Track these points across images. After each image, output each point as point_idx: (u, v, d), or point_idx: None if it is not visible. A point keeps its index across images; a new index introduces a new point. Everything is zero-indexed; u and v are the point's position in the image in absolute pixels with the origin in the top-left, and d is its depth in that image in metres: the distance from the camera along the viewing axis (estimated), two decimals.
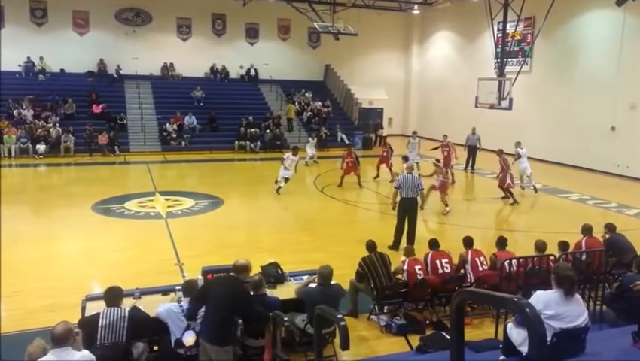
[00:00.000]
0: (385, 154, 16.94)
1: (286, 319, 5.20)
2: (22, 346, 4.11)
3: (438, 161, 15.01)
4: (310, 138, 22.00)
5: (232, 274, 5.08)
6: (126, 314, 4.81)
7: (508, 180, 14.16)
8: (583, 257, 7.11)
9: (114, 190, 14.57)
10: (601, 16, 19.09)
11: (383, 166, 16.88)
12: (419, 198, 9.84)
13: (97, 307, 5.03)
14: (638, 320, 4.67)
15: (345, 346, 4.39)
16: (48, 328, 4.17)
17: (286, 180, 14.64)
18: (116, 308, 4.82)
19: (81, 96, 23.23)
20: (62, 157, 20.14)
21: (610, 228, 8.09)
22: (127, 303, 5.22)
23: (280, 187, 14.53)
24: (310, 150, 20.25)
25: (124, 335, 4.73)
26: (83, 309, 5.35)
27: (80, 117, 22.43)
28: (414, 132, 19.15)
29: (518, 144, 15.87)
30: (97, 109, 22.80)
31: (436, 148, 17.15)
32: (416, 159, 17.30)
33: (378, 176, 17.07)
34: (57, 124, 21.12)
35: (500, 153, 14.57)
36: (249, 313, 5.05)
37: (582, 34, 20.04)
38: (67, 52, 24.26)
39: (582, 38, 20.03)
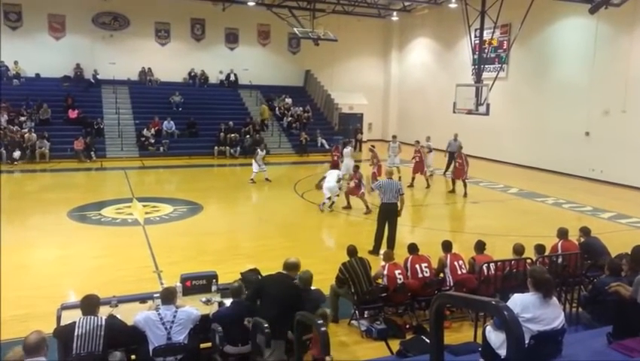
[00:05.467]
0: (336, 158, 17.04)
1: (266, 325, 5.16)
2: None
3: (373, 147, 17.21)
4: (259, 150, 17.86)
5: (283, 271, 5.39)
6: (103, 323, 4.73)
7: (465, 175, 15.83)
8: (559, 260, 7.22)
9: (90, 197, 14.33)
10: (575, 24, 19.53)
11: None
12: (398, 203, 9.88)
13: (73, 316, 4.93)
14: (612, 321, 4.77)
15: (326, 351, 4.38)
16: (21, 339, 4.07)
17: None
18: (92, 317, 4.74)
19: (57, 101, 22.82)
20: (37, 163, 19.73)
21: (585, 231, 8.25)
22: (104, 311, 5.13)
23: (333, 202, 13.51)
24: (255, 166, 16.94)
25: (101, 344, 4.65)
26: (59, 318, 5.24)
27: (56, 122, 22.07)
28: (394, 136, 19.26)
29: (428, 139, 18.27)
30: (73, 114, 22.43)
31: (414, 157, 17.31)
32: (396, 163, 17.43)
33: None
34: (32, 129, 20.71)
35: (460, 148, 16.54)
36: (299, 308, 5.24)
37: (557, 42, 20.47)
38: (42, 56, 23.83)
39: (557, 45, 20.46)
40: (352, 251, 7.04)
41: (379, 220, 9.81)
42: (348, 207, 13.66)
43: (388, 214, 9.71)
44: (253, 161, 17.17)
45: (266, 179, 17.15)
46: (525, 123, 21.66)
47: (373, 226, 10.03)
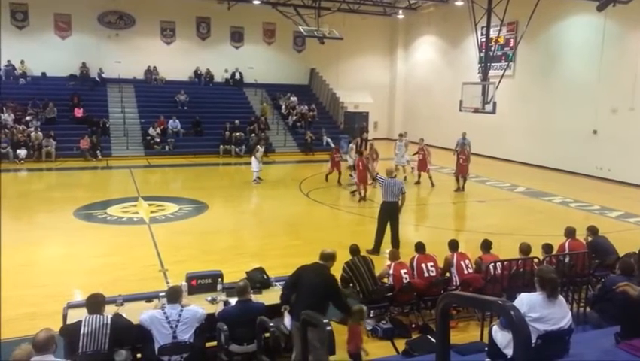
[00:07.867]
0: (336, 160, 16.97)
1: (272, 324, 5.16)
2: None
3: (372, 144, 17.51)
4: (259, 146, 17.73)
5: (320, 262, 5.50)
6: (109, 322, 4.73)
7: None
8: (567, 259, 7.17)
9: (96, 196, 14.38)
10: (582, 21, 19.39)
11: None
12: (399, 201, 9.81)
13: (79, 314, 4.94)
14: (620, 321, 4.72)
15: (331, 351, 4.36)
16: (28, 336, 4.09)
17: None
18: (98, 316, 4.74)
19: (63, 100, 22.93)
20: (43, 162, 19.82)
21: (592, 230, 8.18)
22: (110, 310, 5.13)
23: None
24: (257, 164, 16.68)
25: (106, 342, 4.65)
26: (65, 317, 5.25)
27: (62, 121, 22.16)
28: (400, 134, 19.22)
29: (405, 134, 18.66)
30: (79, 113, 22.52)
31: (416, 153, 17.27)
32: (402, 162, 17.40)
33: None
34: (38, 128, 20.81)
35: (462, 148, 16.76)
36: (335, 298, 5.43)
37: (564, 39, 20.33)
38: (48, 55, 23.94)
39: (564, 43, 20.32)
40: (354, 250, 7.05)
41: (380, 219, 9.77)
42: (363, 197, 14.32)
43: (390, 213, 9.66)
44: (252, 159, 16.83)
45: (256, 180, 16.70)
46: (532, 121, 21.53)
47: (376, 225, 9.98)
